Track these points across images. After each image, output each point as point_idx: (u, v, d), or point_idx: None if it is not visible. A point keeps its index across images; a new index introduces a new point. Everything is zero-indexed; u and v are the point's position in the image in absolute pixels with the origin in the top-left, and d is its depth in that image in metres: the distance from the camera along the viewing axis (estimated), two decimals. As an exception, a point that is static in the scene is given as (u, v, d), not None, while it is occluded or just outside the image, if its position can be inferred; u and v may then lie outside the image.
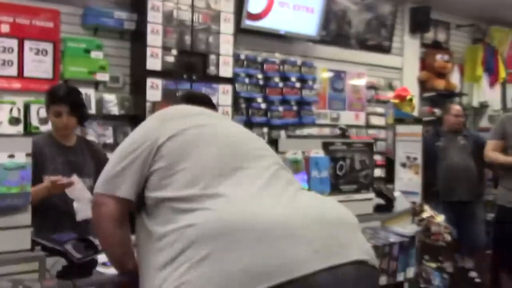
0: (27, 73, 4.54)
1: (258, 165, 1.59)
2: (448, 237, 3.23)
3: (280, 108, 6.04)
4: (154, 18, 4.87)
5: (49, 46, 4.65)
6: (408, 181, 4.64)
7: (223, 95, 5.31)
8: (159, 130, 1.60)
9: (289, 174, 1.71)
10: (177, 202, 1.47)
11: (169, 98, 2.05)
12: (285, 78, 6.10)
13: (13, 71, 4.48)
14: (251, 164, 1.57)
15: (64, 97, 2.83)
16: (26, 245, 1.72)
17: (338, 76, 6.90)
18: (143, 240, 1.56)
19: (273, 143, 2.42)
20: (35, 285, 1.58)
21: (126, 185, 1.57)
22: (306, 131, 6.36)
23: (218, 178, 1.50)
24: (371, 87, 7.25)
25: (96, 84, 4.91)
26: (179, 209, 1.45)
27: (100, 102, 4.91)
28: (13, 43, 4.50)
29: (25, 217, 1.71)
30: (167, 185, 1.52)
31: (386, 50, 7.40)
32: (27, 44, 4.56)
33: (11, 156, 1.66)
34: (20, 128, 4.23)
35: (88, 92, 4.81)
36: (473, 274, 5.12)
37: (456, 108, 5.35)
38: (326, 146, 2.53)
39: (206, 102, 1.97)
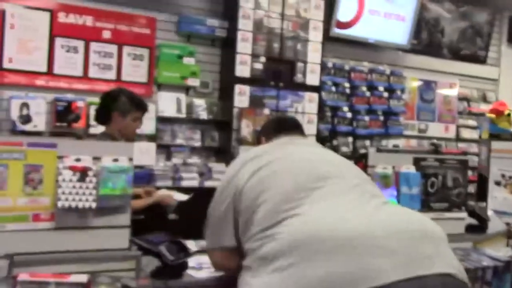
0: (124, 77, 4.81)
1: (336, 183, 1.61)
2: (547, 264, 3.01)
3: (366, 118, 5.94)
4: (245, 26, 4.98)
5: (145, 52, 4.90)
6: (502, 200, 4.40)
7: (309, 103, 5.32)
8: (237, 176, 1.69)
9: (374, 187, 1.72)
10: (260, 233, 1.53)
11: (263, 130, 2.14)
12: (372, 87, 6.00)
13: (112, 75, 4.76)
14: (328, 183, 1.60)
15: (145, 104, 3.10)
16: (124, 244, 1.82)
17: (428, 86, 6.68)
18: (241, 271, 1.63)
19: (363, 157, 2.39)
20: (131, 283, 1.67)
21: (227, 235, 1.67)
22: (392, 142, 6.20)
23: (297, 201, 1.54)
24: (463, 98, 6.95)
25: (187, 89, 5.10)
26: (262, 239, 1.51)
27: (190, 107, 5.08)
28: (113, 48, 4.78)
29: (125, 218, 1.81)
30: (252, 222, 1.58)
31: (481, 60, 7.06)
32: (126, 50, 4.83)
33: (115, 160, 1.76)
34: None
35: (179, 97, 5.01)
36: None
37: None
38: (417, 162, 2.45)
39: (294, 127, 2.04)
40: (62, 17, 4.59)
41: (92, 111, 4.56)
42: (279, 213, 1.52)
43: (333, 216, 1.47)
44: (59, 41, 4.57)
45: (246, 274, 1.54)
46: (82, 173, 1.72)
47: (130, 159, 1.80)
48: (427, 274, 1.34)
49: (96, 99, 4.60)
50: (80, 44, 4.65)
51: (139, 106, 3.04)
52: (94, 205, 1.73)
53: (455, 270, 1.41)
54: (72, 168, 1.71)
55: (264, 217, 1.54)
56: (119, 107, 3.03)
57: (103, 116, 3.11)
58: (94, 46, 4.71)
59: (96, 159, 1.76)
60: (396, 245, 1.37)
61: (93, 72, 4.70)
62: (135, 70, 4.85)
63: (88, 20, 4.69)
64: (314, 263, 1.36)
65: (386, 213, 1.52)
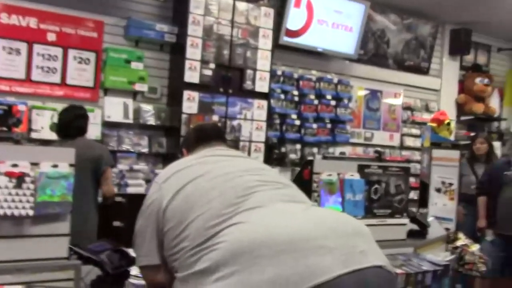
0: (70, 81, 4.68)
1: (263, 190, 1.66)
2: (483, 268, 3.14)
3: (314, 126, 6.03)
4: (194, 32, 4.95)
5: (92, 56, 4.79)
6: (442, 207, 4.56)
7: (258, 110, 5.34)
8: (160, 192, 1.70)
9: (298, 192, 1.77)
10: (194, 248, 1.53)
11: (184, 143, 2.14)
12: (320, 96, 6.09)
13: (56, 78, 4.63)
14: (256, 192, 1.64)
15: None
16: (63, 253, 1.76)
17: (374, 95, 6.85)
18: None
19: (308, 164, 2.42)
20: (70, 293, 1.62)
21: (151, 254, 1.68)
22: (339, 149, 6.32)
23: (227, 215, 1.55)
24: (407, 108, 7.17)
25: (134, 94, 5.02)
26: (198, 253, 1.51)
27: (137, 112, 5.01)
28: (58, 51, 4.64)
29: (64, 226, 1.76)
30: (182, 240, 1.58)
31: (424, 71, 7.32)
32: (71, 53, 4.70)
33: (55, 165, 1.71)
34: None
35: (126, 102, 4.92)
36: None
37: None
38: (361, 169, 2.51)
39: (215, 136, 2.04)
40: (4, 18, 4.43)
41: (35, 116, 4.43)
42: (212, 228, 1.53)
43: (269, 222, 1.51)
44: (0, 43, 4.40)
45: None
46: (19, 179, 1.65)
47: (71, 165, 1.74)
48: (363, 267, 1.43)
49: (39, 103, 4.49)
50: (22, 46, 4.50)
51: None
52: (31, 212, 1.66)
53: (385, 263, 1.52)
54: (8, 174, 1.64)
55: (196, 234, 1.54)
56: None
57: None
58: (37, 48, 4.56)
59: (34, 164, 1.70)
60: (332, 244, 1.44)
61: (36, 75, 4.55)
62: (80, 74, 4.73)
63: (32, 22, 4.54)
64: (259, 267, 1.37)
65: (316, 215, 1.60)
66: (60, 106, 4.41)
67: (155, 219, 1.67)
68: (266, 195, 1.64)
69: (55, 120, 4.27)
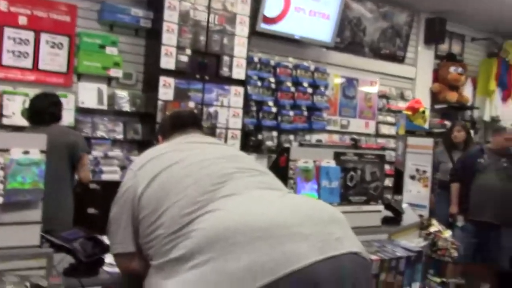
0: (42, 65, 4.57)
1: (239, 177, 1.65)
2: (455, 253, 3.19)
3: (291, 113, 6.03)
4: (170, 17, 4.89)
5: (64, 40, 4.68)
6: (416, 194, 4.63)
7: (234, 97, 5.32)
8: (135, 179, 1.68)
9: (274, 179, 1.77)
10: (170, 236, 1.51)
11: (160, 129, 2.11)
12: (297, 83, 6.09)
13: (28, 63, 4.51)
14: (232, 179, 1.63)
15: None
16: (35, 241, 1.72)
17: (350, 83, 6.89)
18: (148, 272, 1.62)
19: (285, 151, 2.42)
20: (42, 282, 1.58)
21: (126, 242, 1.67)
22: (315, 137, 6.34)
23: (202, 202, 1.54)
24: (382, 96, 7.23)
25: (109, 80, 4.93)
26: (174, 241, 1.50)
27: (112, 98, 4.93)
28: (30, 35, 4.53)
29: (36, 213, 1.72)
30: (157, 228, 1.57)
31: (399, 59, 7.38)
32: (43, 37, 4.59)
33: (26, 152, 1.66)
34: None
35: (101, 87, 4.84)
36: None
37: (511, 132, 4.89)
38: (337, 156, 2.51)
39: (191, 123, 2.02)
40: (-28, 0, 4.30)
41: (6, 101, 4.32)
42: (187, 215, 1.52)
43: (245, 209, 1.50)
44: (-32, 25, 4.28)
45: (157, 276, 1.52)
46: (-12, 166, 1.60)
47: (42, 152, 1.70)
48: (339, 253, 1.44)
49: (10, 88, 4.38)
50: (-8, 29, 4.37)
51: None
52: (1, 200, 1.62)
53: (361, 249, 1.54)
54: (-24, 161, 1.60)
55: (171, 222, 1.53)
56: None
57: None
58: (8, 32, 4.44)
59: (4, 151, 1.65)
60: (308, 230, 1.45)
61: (7, 60, 4.43)
62: (53, 59, 4.62)
63: (3, 4, 4.41)
64: (235, 255, 1.37)
65: (292, 202, 1.60)
66: (32, 91, 4.32)
67: (130, 207, 1.65)
68: (242, 182, 1.63)
69: (27, 105, 4.18)
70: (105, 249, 1.84)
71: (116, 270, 1.82)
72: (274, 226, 1.43)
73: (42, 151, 1.70)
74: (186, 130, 1.95)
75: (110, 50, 4.83)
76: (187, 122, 2.01)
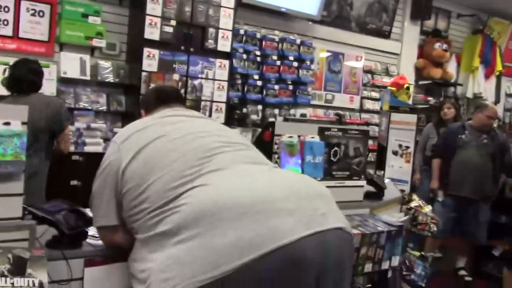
0: (22, 34, 4.47)
1: (225, 151, 1.64)
2: (434, 228, 3.26)
3: (276, 87, 6.01)
4: (155, -14, 4.79)
5: (46, 8, 4.57)
6: (398, 169, 4.69)
7: (219, 70, 5.27)
8: (118, 153, 1.67)
9: (259, 154, 1.78)
10: (155, 210, 1.51)
11: (143, 103, 2.09)
12: (283, 57, 6.05)
13: (8, 31, 4.41)
14: (217, 153, 1.62)
15: None
16: (17, 213, 1.71)
17: (336, 57, 6.87)
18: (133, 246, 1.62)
19: (270, 126, 2.42)
20: (25, 254, 1.57)
21: (110, 215, 1.67)
22: (300, 111, 6.34)
23: (189, 177, 1.54)
24: (368, 71, 7.23)
25: (92, 50, 4.85)
26: (159, 215, 1.50)
27: (95, 68, 4.86)
28: (9, 1, 4.41)
29: (18, 185, 1.70)
30: (141, 202, 1.56)
31: (385, 35, 7.37)
32: (24, 4, 4.47)
33: (7, 123, 1.64)
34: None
35: (83, 57, 4.76)
36: (462, 272, 5.14)
37: (493, 110, 5.02)
38: (322, 131, 2.52)
39: (174, 97, 2.00)
40: (-51, -36, 4.15)
41: (-15, 70, 4.23)
42: (172, 189, 1.52)
43: (231, 184, 1.51)
44: None
45: (142, 250, 1.53)
46: (-32, 137, 1.58)
47: (24, 123, 1.67)
48: (324, 229, 1.46)
49: (-10, 57, 4.29)
50: (-30, -5, 4.25)
51: None
52: (-18, 171, 1.60)
53: (345, 224, 1.56)
54: (-44, 132, 1.57)
55: (156, 196, 1.53)
56: None
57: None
58: (-13, -2, 4.32)
59: (-15, 122, 1.62)
60: (294, 206, 1.46)
61: (-15, 27, 4.33)
62: (34, 27, 4.52)
63: (-19, -31, 4.29)
64: (221, 230, 1.38)
65: (278, 177, 1.61)
66: (12, 60, 4.23)
67: (113, 180, 1.64)
68: (228, 157, 1.63)
69: (7, 74, 4.09)
70: (88, 221, 1.83)
71: (99, 242, 1.83)
72: (260, 202, 1.43)
73: (23, 123, 1.67)
74: (170, 105, 1.94)
75: (93, 19, 4.73)
76: (171, 96, 1.99)
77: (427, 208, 3.38)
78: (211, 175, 1.54)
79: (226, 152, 1.64)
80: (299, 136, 2.42)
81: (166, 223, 1.46)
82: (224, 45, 5.27)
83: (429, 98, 7.70)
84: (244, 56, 5.73)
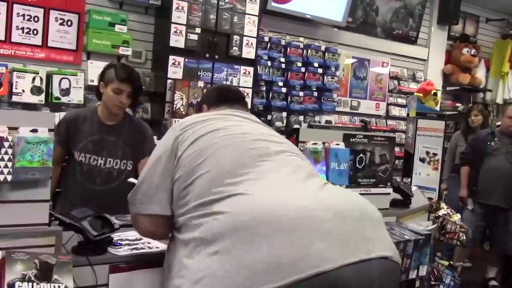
0: (51, 43, 4.56)
1: (277, 160, 1.59)
2: (463, 237, 3.19)
3: (301, 94, 5.99)
4: (180, -5, 4.83)
5: (74, 18, 4.66)
6: (425, 177, 4.61)
7: (244, 77, 5.28)
8: (177, 140, 1.65)
9: (310, 167, 1.72)
10: (198, 208, 1.49)
11: (206, 99, 2.09)
12: (307, 63, 6.03)
13: (37, 40, 4.50)
14: (269, 160, 1.58)
15: (131, 78, 2.86)
16: (44, 219, 1.73)
17: (362, 64, 6.81)
18: (172, 244, 1.62)
19: (294, 132, 2.40)
20: (51, 259, 1.59)
21: (161, 204, 1.63)
22: (325, 118, 6.30)
23: (236, 178, 1.51)
24: (394, 77, 7.15)
25: (118, 58, 4.91)
26: (202, 217, 1.47)
27: (121, 77, 4.90)
28: (39, 12, 4.50)
29: (45, 192, 1.72)
30: (188, 193, 1.55)
31: (412, 40, 7.28)
32: (53, 14, 4.56)
33: (34, 130, 1.66)
34: (41, 98, 4.25)
35: (110, 66, 4.81)
36: (493, 282, 5.01)
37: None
38: (347, 138, 2.50)
39: (238, 98, 2.00)
40: (-19, -24, 4.27)
41: (15, 78, 4.32)
42: (217, 188, 1.48)
43: (276, 196, 1.44)
44: (-22, 2, 4.26)
45: (180, 251, 1.50)
46: (-3, 144, 1.61)
47: (51, 130, 1.70)
48: (369, 258, 1.36)
49: (20, 65, 4.38)
50: (2, 6, 4.34)
51: (120, 76, 2.82)
52: (10, 178, 1.62)
53: (393, 252, 1.45)
54: (-15, 139, 1.60)
55: (201, 191, 1.50)
56: (103, 78, 2.90)
57: (96, 88, 2.94)
58: (17, 8, 4.41)
59: (13, 129, 1.65)
60: (339, 229, 1.37)
61: (16, 37, 4.42)
62: (62, 36, 4.60)
63: (12, -19, 4.39)
64: (256, 246, 1.33)
65: (327, 195, 1.51)
66: (42, 69, 4.32)
67: (169, 165, 1.62)
68: (280, 164, 1.58)
69: (37, 83, 4.18)
70: (114, 228, 1.85)
71: (123, 253, 1.83)
72: (303, 220, 1.36)
73: (50, 130, 1.70)
74: (232, 105, 1.92)
75: (120, 28, 4.80)
76: (235, 97, 1.99)
77: (456, 217, 3.32)
78: (256, 183, 1.49)
79: (277, 161, 1.59)
80: (323, 143, 2.40)
81: (205, 229, 1.43)
82: (249, 52, 5.28)
83: (458, 104, 7.57)
84: (269, 63, 5.72)
